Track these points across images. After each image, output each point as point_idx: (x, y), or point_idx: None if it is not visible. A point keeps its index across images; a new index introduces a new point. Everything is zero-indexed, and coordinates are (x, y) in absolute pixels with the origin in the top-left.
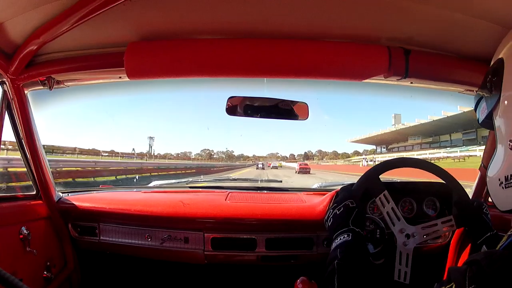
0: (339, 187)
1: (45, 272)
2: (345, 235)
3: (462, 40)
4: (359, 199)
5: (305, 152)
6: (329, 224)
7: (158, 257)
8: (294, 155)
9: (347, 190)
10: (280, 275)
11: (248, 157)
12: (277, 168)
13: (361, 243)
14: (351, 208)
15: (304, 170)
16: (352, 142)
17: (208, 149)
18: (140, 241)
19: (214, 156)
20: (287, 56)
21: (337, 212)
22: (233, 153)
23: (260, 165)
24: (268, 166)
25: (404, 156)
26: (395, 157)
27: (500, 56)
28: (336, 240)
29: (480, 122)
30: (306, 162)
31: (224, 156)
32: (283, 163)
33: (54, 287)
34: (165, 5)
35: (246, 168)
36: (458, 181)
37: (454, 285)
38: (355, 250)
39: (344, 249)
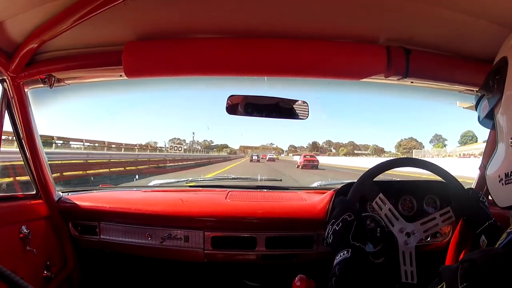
0: (339, 185)
1: (45, 272)
2: (345, 252)
3: (463, 40)
4: (357, 209)
5: (313, 143)
6: (330, 241)
7: (158, 256)
8: (295, 147)
9: (344, 202)
10: (280, 274)
11: (227, 146)
12: (274, 161)
13: (361, 259)
14: (349, 222)
15: (310, 164)
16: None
17: (178, 139)
18: (140, 240)
19: (196, 146)
20: (285, 55)
21: (336, 228)
22: (212, 143)
23: (255, 157)
24: (263, 158)
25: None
26: (389, 159)
27: (503, 55)
28: (337, 257)
29: (480, 120)
30: (312, 153)
31: (199, 147)
32: (283, 156)
33: (54, 286)
34: (163, 5)
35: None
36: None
37: (444, 285)
38: (354, 267)
39: (343, 265)
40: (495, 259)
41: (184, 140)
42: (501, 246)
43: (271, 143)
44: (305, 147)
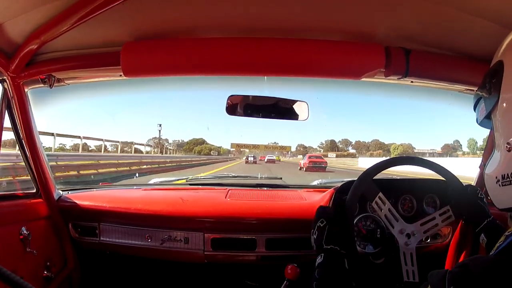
0: (339, 184)
1: (45, 272)
2: (319, 257)
3: (463, 39)
4: (330, 212)
5: (331, 141)
6: (314, 249)
7: (158, 257)
8: (305, 147)
9: (317, 210)
10: (280, 275)
11: (203, 142)
12: (274, 162)
13: (335, 260)
14: (322, 228)
15: (317, 165)
16: None
17: (160, 138)
18: (140, 241)
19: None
20: (284, 54)
21: (314, 237)
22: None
23: (251, 158)
24: (261, 160)
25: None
26: (387, 158)
27: (499, 59)
28: (316, 263)
29: (478, 122)
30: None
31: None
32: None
33: (54, 286)
34: (162, 4)
35: None
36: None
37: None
38: (329, 269)
39: (319, 269)
40: (486, 265)
41: (167, 140)
42: (498, 250)
43: (275, 142)
44: (314, 147)
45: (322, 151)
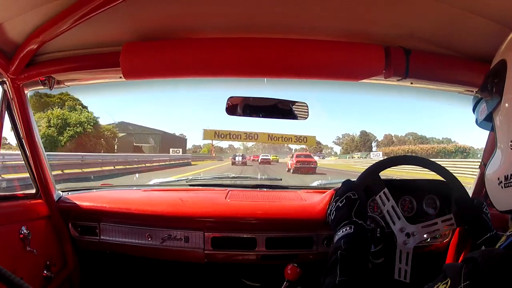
0: (339, 185)
1: (45, 271)
2: (348, 227)
3: (464, 39)
4: (361, 190)
5: (362, 132)
6: (332, 217)
7: (158, 257)
8: (319, 143)
9: (349, 183)
10: (280, 274)
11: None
12: (269, 163)
13: (364, 235)
14: (353, 200)
15: (306, 166)
16: None
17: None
18: (141, 240)
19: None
20: (284, 56)
21: (340, 205)
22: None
23: (238, 158)
24: (254, 160)
25: (406, 154)
26: (397, 155)
27: (502, 57)
28: (339, 232)
29: (478, 123)
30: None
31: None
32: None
33: (54, 286)
34: (162, 3)
35: None
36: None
37: (449, 281)
38: (358, 241)
39: (347, 240)
40: (496, 259)
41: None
42: (503, 246)
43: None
44: (321, 143)
45: (340, 151)
